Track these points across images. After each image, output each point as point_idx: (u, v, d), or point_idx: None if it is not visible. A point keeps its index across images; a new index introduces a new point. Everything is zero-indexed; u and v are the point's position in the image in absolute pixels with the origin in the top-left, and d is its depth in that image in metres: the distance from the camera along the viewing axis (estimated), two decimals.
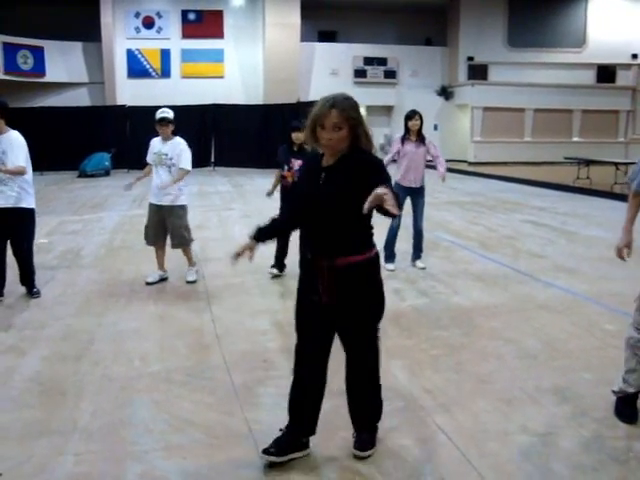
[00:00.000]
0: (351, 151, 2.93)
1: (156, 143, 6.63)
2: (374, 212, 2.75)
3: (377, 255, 3.09)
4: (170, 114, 6.56)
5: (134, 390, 4.06)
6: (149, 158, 6.68)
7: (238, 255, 3.16)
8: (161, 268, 6.79)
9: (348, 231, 2.94)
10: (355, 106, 2.91)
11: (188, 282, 6.74)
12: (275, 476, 3.05)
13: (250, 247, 3.16)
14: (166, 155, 6.51)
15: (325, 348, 3.14)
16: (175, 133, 6.64)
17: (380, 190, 2.53)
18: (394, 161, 7.35)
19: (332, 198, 2.88)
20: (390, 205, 2.51)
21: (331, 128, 2.84)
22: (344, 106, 2.86)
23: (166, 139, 6.55)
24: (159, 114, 6.53)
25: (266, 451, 3.11)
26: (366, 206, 2.54)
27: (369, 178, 2.77)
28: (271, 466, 3.10)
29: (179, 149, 6.53)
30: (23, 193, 5.91)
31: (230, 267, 3.26)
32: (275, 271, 6.94)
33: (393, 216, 2.63)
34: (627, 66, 28.62)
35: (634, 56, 28.66)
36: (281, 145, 7.06)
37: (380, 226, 3.06)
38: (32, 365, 4.49)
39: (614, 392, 3.74)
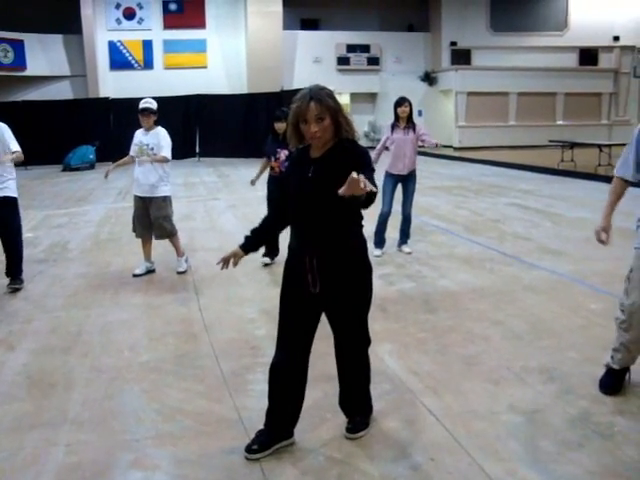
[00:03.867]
0: (337, 141, 2.95)
1: (139, 134, 6.60)
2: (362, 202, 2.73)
3: (365, 243, 3.10)
4: (153, 104, 6.52)
5: (124, 380, 4.07)
6: (132, 150, 6.65)
7: (225, 262, 3.24)
8: (148, 260, 6.78)
9: (337, 222, 2.94)
10: (331, 94, 2.94)
11: (179, 273, 6.73)
12: (264, 462, 3.07)
13: (237, 255, 3.23)
14: (147, 145, 6.48)
15: (309, 337, 3.14)
16: (157, 123, 6.58)
17: (355, 175, 2.46)
18: (386, 149, 7.38)
19: (321, 190, 2.86)
20: (363, 183, 2.43)
21: (314, 120, 2.85)
22: (321, 96, 2.88)
23: (148, 130, 6.53)
24: (141, 104, 6.50)
25: (249, 450, 3.12)
26: (341, 190, 2.49)
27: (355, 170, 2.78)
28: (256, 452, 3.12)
29: (158, 138, 6.50)
30: (11, 182, 6.05)
31: (218, 256, 3.26)
32: (267, 260, 6.94)
33: (365, 202, 2.61)
34: (609, 48, 28.67)
35: (616, 38, 28.67)
36: (268, 136, 7.10)
37: (368, 214, 3.07)
38: (21, 358, 4.48)
39: (604, 365, 3.84)
